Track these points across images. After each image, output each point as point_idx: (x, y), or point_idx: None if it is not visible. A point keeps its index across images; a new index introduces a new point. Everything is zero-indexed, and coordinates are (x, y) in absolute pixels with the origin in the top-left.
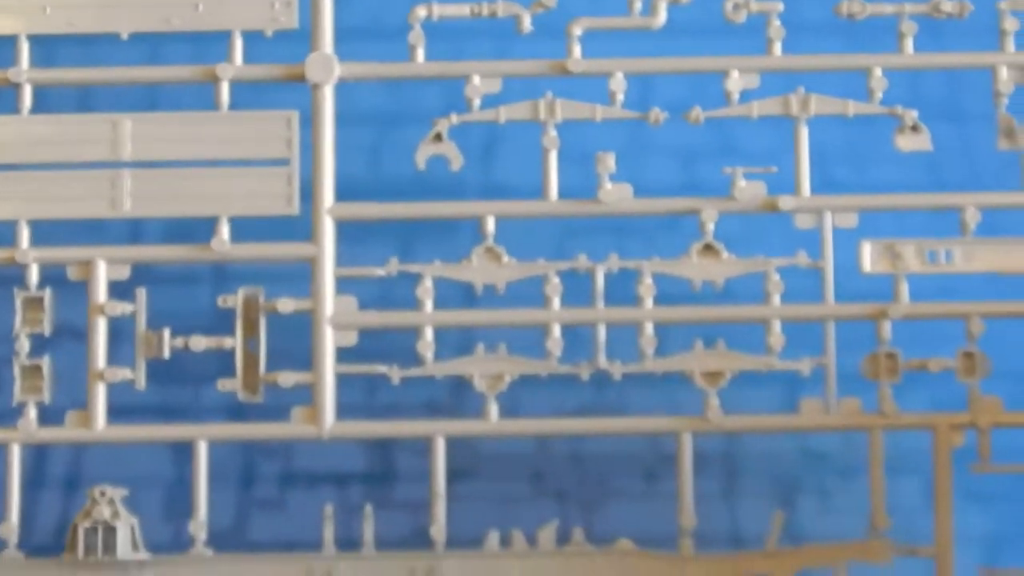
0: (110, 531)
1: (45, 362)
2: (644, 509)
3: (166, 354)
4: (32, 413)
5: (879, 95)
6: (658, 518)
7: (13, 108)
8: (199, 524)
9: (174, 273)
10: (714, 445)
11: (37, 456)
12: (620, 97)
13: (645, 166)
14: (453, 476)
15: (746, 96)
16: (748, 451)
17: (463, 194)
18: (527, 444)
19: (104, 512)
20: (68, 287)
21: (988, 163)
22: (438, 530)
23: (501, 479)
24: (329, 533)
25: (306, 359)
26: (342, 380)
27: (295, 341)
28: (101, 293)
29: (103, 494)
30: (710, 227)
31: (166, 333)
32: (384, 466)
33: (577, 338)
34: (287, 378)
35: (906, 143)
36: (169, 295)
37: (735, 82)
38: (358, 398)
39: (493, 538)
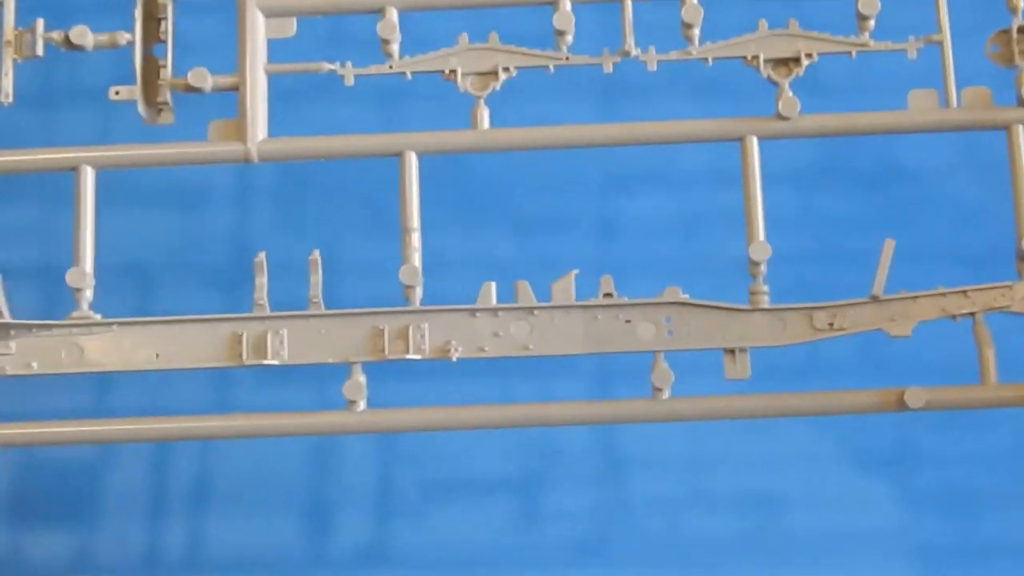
0: None
1: None
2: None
3: (39, 51)
4: None
5: None
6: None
7: None
8: (81, 275)
9: None
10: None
11: None
12: None
13: None
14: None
15: None
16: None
17: None
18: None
19: None
20: None
21: None
22: (410, 273)
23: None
24: (262, 287)
25: (230, 64)
26: (276, 88)
27: (214, 47)
28: None
29: None
30: None
31: (39, 25)
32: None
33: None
34: (201, 78)
35: None
36: None
37: None
38: (295, 117)
39: (488, 291)
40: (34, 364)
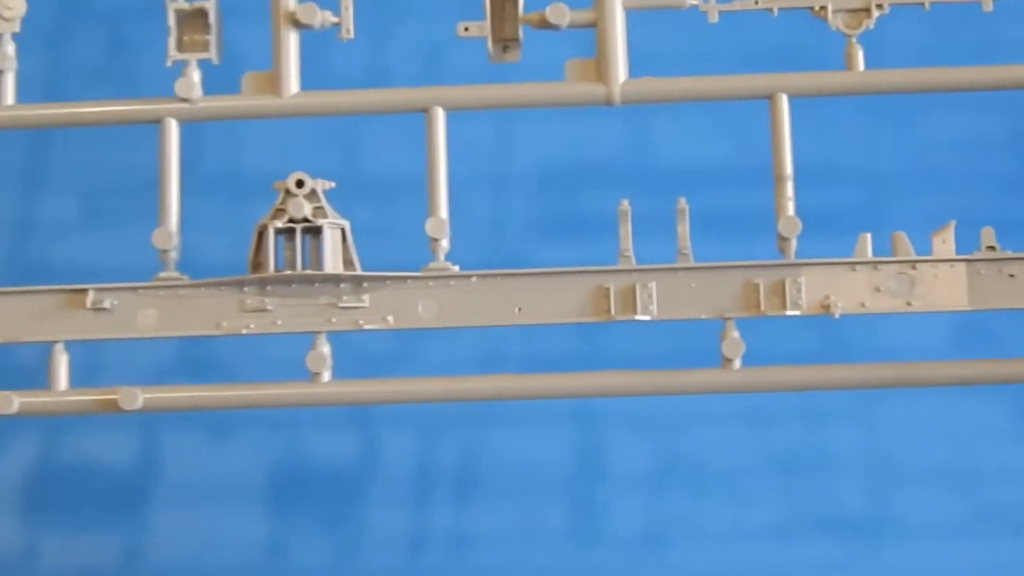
0: (312, 235)
1: (212, 5)
2: None
3: None
4: (195, 76)
5: None
6: None
7: None
8: (439, 224)
9: None
10: None
11: (194, 142)
12: None
13: None
14: None
15: None
16: None
17: None
18: None
19: (304, 208)
20: None
21: None
22: (787, 225)
23: None
24: (627, 237)
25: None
26: (635, 24)
27: None
28: None
29: (301, 184)
30: None
31: None
32: None
33: None
34: (559, 14)
35: None
36: None
37: None
38: (651, 59)
39: (864, 242)
40: (390, 318)
